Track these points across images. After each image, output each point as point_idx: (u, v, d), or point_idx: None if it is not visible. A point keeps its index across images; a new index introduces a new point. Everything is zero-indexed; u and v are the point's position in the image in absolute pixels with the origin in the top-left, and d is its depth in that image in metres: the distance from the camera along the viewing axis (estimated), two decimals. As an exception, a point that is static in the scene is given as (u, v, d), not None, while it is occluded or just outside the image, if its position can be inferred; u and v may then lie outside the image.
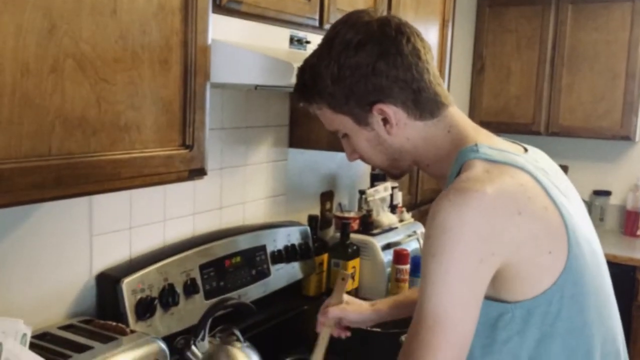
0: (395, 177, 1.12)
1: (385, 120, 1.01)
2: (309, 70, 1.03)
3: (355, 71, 0.98)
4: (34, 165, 0.89)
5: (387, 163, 1.07)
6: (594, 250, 1.00)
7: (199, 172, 1.19)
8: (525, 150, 1.06)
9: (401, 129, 1.02)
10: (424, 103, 1.01)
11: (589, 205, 3.53)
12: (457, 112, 1.05)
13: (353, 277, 2.08)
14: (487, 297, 0.91)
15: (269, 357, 1.57)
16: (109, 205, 1.45)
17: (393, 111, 1.00)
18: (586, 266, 0.95)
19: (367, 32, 0.99)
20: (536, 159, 1.04)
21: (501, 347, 0.94)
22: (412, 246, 2.30)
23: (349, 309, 1.38)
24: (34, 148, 0.89)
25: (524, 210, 0.90)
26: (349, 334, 1.44)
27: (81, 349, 1.20)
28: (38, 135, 0.90)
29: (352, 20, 1.01)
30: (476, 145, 0.97)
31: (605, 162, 3.61)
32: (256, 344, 1.51)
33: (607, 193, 3.55)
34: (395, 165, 1.08)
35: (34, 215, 1.29)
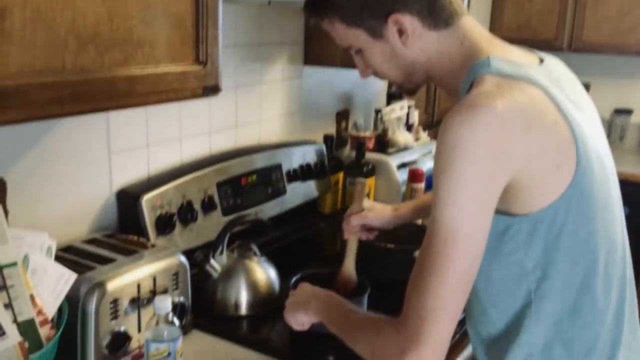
0: (409, 93, 1.12)
1: (401, 31, 1.00)
2: None
3: None
4: (50, 80, 0.89)
5: (402, 77, 1.06)
6: (603, 164, 1.00)
7: (213, 89, 1.19)
8: (541, 60, 1.04)
9: (416, 39, 1.00)
10: (439, 11, 0.99)
11: (610, 124, 3.48)
12: (471, 22, 1.03)
13: (368, 196, 2.11)
14: (495, 211, 0.92)
15: (285, 272, 1.62)
16: (125, 124, 1.47)
17: (409, 20, 0.99)
18: (594, 180, 0.96)
19: None
20: (551, 69, 1.02)
21: (507, 257, 0.96)
22: (427, 165, 2.31)
23: (371, 216, 1.45)
24: (48, 64, 0.89)
25: (534, 125, 0.90)
26: (376, 233, 1.49)
27: (105, 261, 1.25)
28: (51, 51, 0.89)
29: None
30: (488, 58, 0.96)
31: (628, 80, 3.53)
32: (273, 259, 1.56)
33: (628, 112, 3.49)
34: (409, 79, 1.07)
35: (54, 133, 1.31)
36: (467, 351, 1.47)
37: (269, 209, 1.81)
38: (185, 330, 1.34)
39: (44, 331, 1.07)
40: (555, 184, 0.93)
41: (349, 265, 1.41)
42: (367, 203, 1.45)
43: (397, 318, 0.93)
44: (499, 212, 0.94)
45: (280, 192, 1.86)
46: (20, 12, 0.85)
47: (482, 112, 0.86)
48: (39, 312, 1.07)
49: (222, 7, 1.18)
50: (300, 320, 1.18)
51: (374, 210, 1.45)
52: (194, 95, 1.16)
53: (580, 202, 0.94)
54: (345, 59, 2.00)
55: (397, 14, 0.98)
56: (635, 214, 2.81)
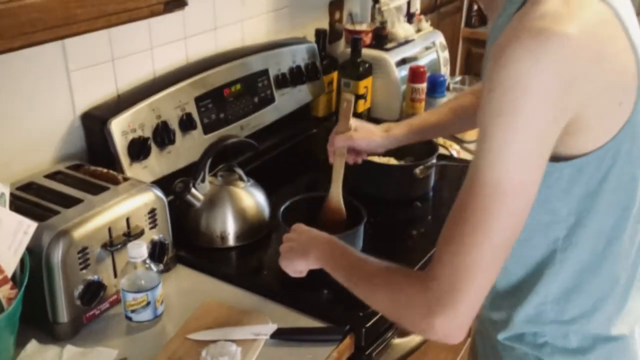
0: None
1: None
2: None
3: None
4: (-41, 16, 0.71)
5: None
6: None
7: (177, 3, 0.99)
8: None
9: None
10: None
11: None
12: None
13: (365, 98, 1.94)
14: None
15: (277, 186, 1.51)
16: (84, 37, 1.27)
17: None
18: None
19: None
20: None
21: (539, 205, 0.82)
22: (429, 59, 2.11)
23: (357, 136, 1.28)
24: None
25: (606, 54, 0.75)
26: (364, 157, 1.35)
27: (70, 201, 1.12)
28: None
29: None
30: None
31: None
32: (262, 174, 1.44)
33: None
34: None
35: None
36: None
37: (256, 121, 1.65)
38: (166, 267, 1.24)
39: (4, 291, 0.96)
40: (613, 124, 0.79)
41: (336, 193, 1.28)
42: (354, 122, 1.28)
43: (422, 272, 0.82)
44: None
45: (268, 100, 1.69)
46: None
47: (552, 41, 0.70)
48: (-4, 271, 0.95)
49: None
50: (298, 268, 1.06)
51: (361, 131, 1.28)
52: (153, 14, 0.97)
53: (631, 144, 0.82)
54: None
55: None
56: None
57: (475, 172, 0.76)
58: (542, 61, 0.70)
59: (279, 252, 1.09)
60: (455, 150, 1.80)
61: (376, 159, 1.57)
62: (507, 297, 0.95)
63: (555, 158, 0.80)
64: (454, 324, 0.78)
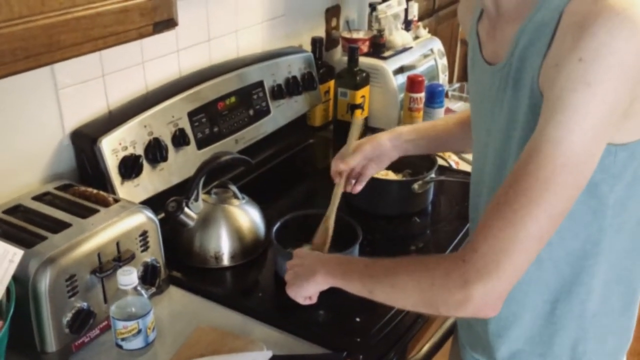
0: None
1: None
2: None
3: None
4: None
5: None
6: None
7: (167, 24, 0.96)
8: None
9: None
10: None
11: None
12: None
13: (362, 107, 1.90)
14: None
15: (273, 200, 1.48)
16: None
17: None
18: None
19: None
20: None
21: (592, 188, 0.84)
22: (427, 66, 2.08)
23: (367, 150, 1.24)
24: None
25: None
26: (359, 188, 1.31)
27: (58, 226, 1.08)
28: None
29: None
30: None
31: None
32: (258, 187, 1.42)
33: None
34: None
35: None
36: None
37: (252, 133, 1.62)
38: (159, 289, 1.21)
39: (-11, 323, 0.93)
40: None
41: (331, 217, 1.24)
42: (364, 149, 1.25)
43: (454, 252, 0.82)
44: None
45: (263, 112, 1.66)
46: None
47: (638, 17, 0.72)
48: (-19, 302, 0.92)
49: None
50: (307, 292, 1.01)
51: (376, 161, 1.25)
52: (143, 35, 0.93)
53: None
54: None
55: None
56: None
57: (546, 141, 0.75)
58: (630, 38, 0.72)
59: (284, 281, 1.05)
60: (453, 161, 1.77)
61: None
62: (547, 294, 0.94)
63: (611, 143, 0.81)
64: (493, 293, 0.78)
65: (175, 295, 1.23)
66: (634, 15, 0.72)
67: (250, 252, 1.32)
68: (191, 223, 1.28)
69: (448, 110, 2.06)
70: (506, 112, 0.89)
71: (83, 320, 1.05)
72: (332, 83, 1.94)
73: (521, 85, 0.85)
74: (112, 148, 1.26)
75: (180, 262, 1.29)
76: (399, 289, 0.87)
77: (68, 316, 1.03)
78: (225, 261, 1.30)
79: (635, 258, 0.94)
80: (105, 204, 1.16)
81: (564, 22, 0.77)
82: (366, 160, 1.24)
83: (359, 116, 1.27)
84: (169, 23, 0.96)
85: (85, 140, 1.27)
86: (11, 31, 0.74)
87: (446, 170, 1.68)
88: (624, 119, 0.78)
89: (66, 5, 0.80)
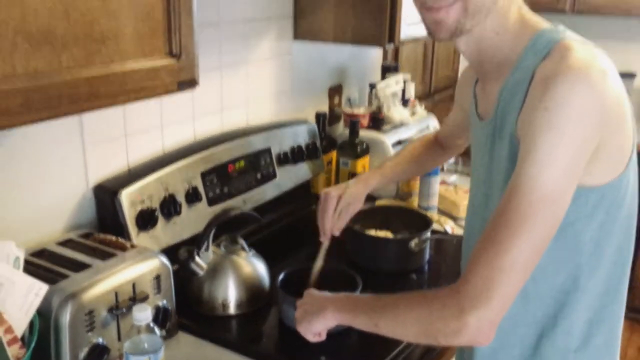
0: (444, 34, 0.98)
1: None
2: None
3: None
4: (-3, 89, 0.79)
5: (482, 5, 0.95)
6: None
7: (189, 84, 1.09)
8: None
9: None
10: None
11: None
12: None
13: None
14: None
15: (277, 259, 1.56)
16: (100, 114, 1.37)
17: None
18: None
19: None
20: None
21: (567, 227, 0.94)
22: (424, 141, 2.22)
23: (351, 209, 1.40)
24: (-5, 69, 0.79)
25: (623, 90, 0.91)
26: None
27: (79, 266, 1.17)
28: (-1, 54, 0.80)
29: None
30: (557, 27, 0.97)
31: (631, 43, 3.41)
32: (263, 248, 1.49)
33: (631, 75, 3.38)
34: (479, 14, 0.95)
35: (19, 130, 1.21)
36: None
37: (258, 195, 1.72)
38: (169, 334, 1.28)
39: (13, 351, 1.00)
40: (626, 153, 0.94)
41: (317, 270, 1.36)
42: (344, 191, 1.41)
43: (451, 285, 0.90)
44: None
45: (270, 176, 1.77)
46: (-41, 12, 0.75)
47: (596, 74, 0.86)
48: (7, 330, 0.99)
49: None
50: (316, 329, 1.09)
51: (354, 200, 1.40)
52: (168, 92, 1.06)
53: (635, 172, 0.97)
54: (338, 33, 1.89)
55: None
56: None
57: (522, 179, 0.86)
58: (588, 87, 0.85)
59: (295, 319, 1.12)
60: (449, 226, 1.86)
61: (372, 232, 1.63)
62: (533, 327, 1.01)
63: (582, 186, 0.91)
64: (486, 320, 0.85)
65: (184, 340, 1.30)
66: (590, 74, 0.86)
67: (256, 301, 1.40)
68: (201, 272, 1.36)
69: (443, 183, 2.17)
70: (494, 161, 1.01)
71: (98, 355, 1.11)
72: (334, 154, 2.06)
73: (503, 137, 0.98)
74: (131, 201, 1.37)
75: (190, 309, 1.36)
76: (401, 322, 0.95)
77: (85, 350, 1.10)
78: (232, 309, 1.37)
79: (614, 297, 1.02)
80: (123, 249, 1.26)
81: (535, 80, 0.91)
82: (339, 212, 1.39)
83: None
84: (191, 83, 1.09)
85: (106, 193, 1.38)
86: (60, 80, 0.87)
87: (442, 234, 1.77)
88: (592, 162, 0.90)
89: (106, 61, 0.93)
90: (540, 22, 0.99)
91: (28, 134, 1.23)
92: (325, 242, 1.39)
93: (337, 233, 1.40)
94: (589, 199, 0.94)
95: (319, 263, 1.36)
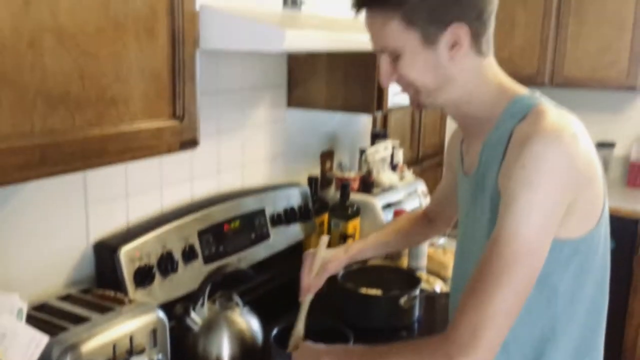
0: (421, 108, 1.10)
1: (454, 44, 1.01)
2: None
3: None
4: (17, 145, 0.86)
5: (432, 87, 1.04)
6: None
7: (190, 144, 1.17)
8: None
9: (462, 56, 1.02)
10: (485, 40, 1.05)
11: (594, 158, 3.49)
12: (495, 62, 1.10)
13: (353, 237, 2.08)
14: None
15: (270, 318, 1.58)
16: (103, 173, 1.44)
17: (465, 35, 1.01)
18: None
19: None
20: None
21: (544, 278, 0.99)
22: (412, 204, 2.29)
23: (331, 267, 1.41)
24: (15, 127, 0.87)
25: (593, 151, 1.00)
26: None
27: (79, 320, 1.20)
28: (19, 113, 0.87)
29: None
30: (533, 93, 1.06)
31: (610, 114, 3.56)
32: (257, 306, 1.52)
33: (611, 145, 3.51)
34: (435, 94, 1.05)
35: (28, 186, 1.28)
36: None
37: (252, 255, 1.78)
38: (163, 388, 1.29)
39: (13, 400, 1.02)
40: (597, 209, 1.01)
41: (301, 328, 1.36)
42: (326, 253, 1.42)
43: (440, 333, 0.96)
44: None
45: (264, 236, 1.83)
46: (-14, 75, 0.83)
47: (566, 135, 0.95)
48: (8, 380, 1.02)
49: (199, 60, 1.17)
50: None
51: (332, 260, 1.42)
52: (171, 151, 1.13)
53: (605, 228, 1.04)
54: (329, 101, 2.00)
55: (459, 24, 1.00)
56: (621, 247, 2.82)
57: (503, 231, 0.94)
58: (561, 147, 0.93)
59: None
60: (438, 286, 1.91)
61: (363, 290, 1.67)
62: None
63: (557, 238, 0.98)
64: None
65: (178, 395, 1.31)
66: (562, 136, 0.95)
67: (250, 357, 1.42)
68: (196, 327, 1.40)
69: (432, 245, 2.23)
70: (476, 212, 1.08)
71: (95, 407, 1.13)
72: (326, 216, 2.13)
73: (485, 190, 1.05)
74: (130, 258, 1.42)
75: (184, 365, 1.38)
76: None
77: (81, 402, 1.12)
78: (226, 365, 1.39)
79: (590, 346, 1.07)
80: (122, 303, 1.29)
81: (513, 139, 1.00)
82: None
83: (325, 236, 1.49)
84: (193, 142, 1.17)
85: (106, 250, 1.43)
86: (73, 137, 0.94)
87: (431, 293, 1.82)
88: (566, 217, 0.97)
89: (116, 121, 1.01)
90: (518, 88, 1.09)
91: (35, 191, 1.29)
92: (304, 301, 1.39)
93: (312, 291, 1.40)
94: (562, 251, 1.00)
95: (299, 325, 1.35)
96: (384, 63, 1.06)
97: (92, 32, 0.95)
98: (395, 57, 1.04)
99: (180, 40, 1.11)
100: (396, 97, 1.93)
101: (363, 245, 1.47)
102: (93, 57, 0.96)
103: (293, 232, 1.95)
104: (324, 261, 1.40)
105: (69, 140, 0.94)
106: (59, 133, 0.92)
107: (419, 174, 2.97)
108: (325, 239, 1.44)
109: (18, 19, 0.85)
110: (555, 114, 1.00)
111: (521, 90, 1.08)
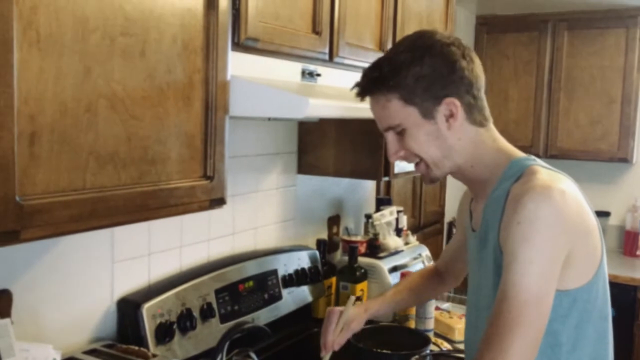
0: (433, 181, 1.20)
1: (450, 115, 1.12)
2: (390, 63, 1.13)
3: (440, 65, 1.10)
4: (72, 199, 0.95)
5: (438, 158, 1.16)
6: None
7: (219, 202, 1.25)
8: None
9: (458, 126, 1.13)
10: (477, 110, 1.15)
11: (589, 226, 3.57)
12: (495, 129, 1.20)
13: (361, 299, 2.13)
14: None
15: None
16: (129, 233, 1.51)
17: (459, 107, 1.12)
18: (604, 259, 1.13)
19: (449, 37, 1.14)
20: None
21: (548, 326, 1.05)
22: (418, 267, 2.35)
23: (354, 325, 1.47)
24: (70, 182, 0.95)
25: (585, 208, 1.09)
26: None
27: (106, 372, 1.25)
28: (74, 170, 0.96)
29: (429, 32, 1.16)
30: (528, 156, 1.16)
31: (604, 184, 3.67)
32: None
33: (606, 214, 3.61)
34: (442, 163, 1.16)
35: (61, 244, 1.35)
36: None
37: (265, 315, 1.82)
38: None
39: None
40: (594, 261, 1.09)
41: None
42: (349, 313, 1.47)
43: None
44: None
45: (276, 297, 1.88)
46: (49, 135, 0.92)
47: (556, 192, 1.04)
48: None
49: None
50: None
51: (354, 318, 1.47)
52: (201, 208, 1.22)
53: (604, 280, 1.11)
54: (337, 168, 2.10)
55: (452, 98, 1.12)
56: (620, 315, 2.86)
57: (508, 286, 1.01)
58: (552, 204, 1.02)
59: None
60: (446, 347, 1.95)
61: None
62: None
63: (556, 289, 1.05)
64: None
65: None
66: (551, 193, 1.04)
67: (266, 414, 1.45)
68: (215, 383, 1.43)
69: (437, 309, 2.28)
70: (482, 266, 1.16)
71: None
72: (334, 279, 2.18)
73: (488, 245, 1.14)
74: (152, 314, 1.47)
75: (202, 421, 1.41)
76: None
77: None
78: (243, 421, 1.42)
79: None
80: (146, 358, 1.34)
81: (509, 198, 1.09)
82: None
83: (352, 296, 1.55)
84: (221, 201, 1.25)
85: (129, 306, 1.48)
86: (119, 194, 1.03)
87: (441, 352, 1.85)
88: (564, 268, 1.05)
89: (155, 180, 1.10)
90: (516, 152, 1.20)
91: (69, 246, 1.36)
92: (325, 357, 1.44)
93: (336, 348, 1.45)
94: (562, 302, 1.08)
95: None
96: (390, 140, 1.18)
97: (139, 98, 1.05)
98: (400, 132, 1.15)
99: (213, 107, 1.21)
100: (402, 164, 2.03)
101: (381, 303, 1.53)
102: (139, 120, 1.06)
103: (303, 293, 2.01)
104: (346, 319, 1.45)
105: (115, 195, 1.02)
106: (106, 189, 1.00)
107: (421, 240, 3.04)
108: (352, 298, 1.50)
109: (79, 86, 0.95)
110: (546, 173, 1.10)
111: (519, 153, 1.19)
